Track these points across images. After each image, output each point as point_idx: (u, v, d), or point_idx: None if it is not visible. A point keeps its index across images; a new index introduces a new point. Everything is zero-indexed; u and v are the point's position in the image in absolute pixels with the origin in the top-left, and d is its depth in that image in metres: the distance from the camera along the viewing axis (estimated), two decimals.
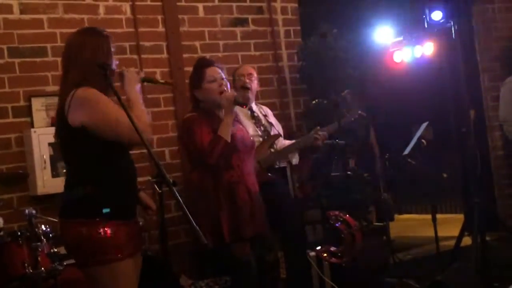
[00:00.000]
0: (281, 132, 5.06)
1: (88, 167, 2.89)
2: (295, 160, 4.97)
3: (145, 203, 3.33)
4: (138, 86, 3.01)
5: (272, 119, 5.08)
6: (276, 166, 4.88)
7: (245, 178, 3.95)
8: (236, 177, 3.90)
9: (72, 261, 3.72)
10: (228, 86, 4.03)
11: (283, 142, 4.96)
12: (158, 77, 5.54)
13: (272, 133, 4.88)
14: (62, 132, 2.92)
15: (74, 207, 2.88)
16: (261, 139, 4.78)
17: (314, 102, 5.99)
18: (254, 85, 4.91)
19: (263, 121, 4.92)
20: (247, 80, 4.85)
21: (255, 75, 5.00)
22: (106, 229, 2.84)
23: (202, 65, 4.09)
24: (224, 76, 4.04)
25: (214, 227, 3.85)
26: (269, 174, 4.66)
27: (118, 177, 2.95)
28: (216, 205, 3.87)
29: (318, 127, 4.92)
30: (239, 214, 3.88)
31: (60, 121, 2.90)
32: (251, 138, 4.25)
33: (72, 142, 2.89)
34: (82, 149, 2.88)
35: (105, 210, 2.85)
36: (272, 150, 4.83)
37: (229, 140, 3.83)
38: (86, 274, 2.94)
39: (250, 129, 4.66)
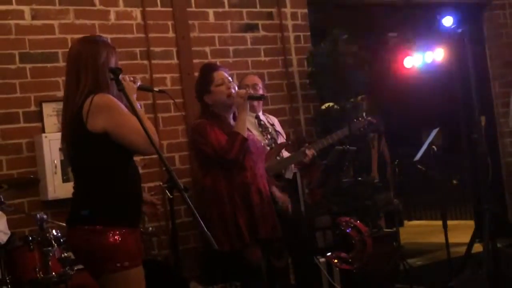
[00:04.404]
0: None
1: (104, 174, 2.90)
2: (288, 173, 4.94)
3: (149, 200, 3.38)
4: (135, 95, 3.04)
5: (279, 128, 5.08)
6: (286, 177, 4.88)
7: (257, 179, 3.98)
8: (249, 178, 3.92)
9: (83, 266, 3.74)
10: (236, 87, 4.06)
11: (284, 154, 4.96)
12: (168, 83, 5.57)
13: (279, 142, 4.88)
14: (79, 139, 2.90)
15: (88, 216, 2.87)
16: (268, 147, 4.78)
17: (324, 107, 5.98)
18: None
19: (270, 130, 4.92)
20: (251, 91, 4.84)
21: (260, 84, 4.99)
22: (119, 236, 2.85)
23: (208, 69, 4.13)
24: (231, 79, 4.08)
25: (232, 230, 3.86)
26: (277, 181, 4.64)
27: (130, 184, 2.97)
28: (232, 207, 3.87)
29: (307, 144, 4.93)
30: (253, 214, 3.89)
31: (75, 129, 2.89)
32: (261, 142, 4.28)
33: (91, 148, 2.88)
34: (100, 156, 2.89)
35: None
36: (278, 158, 4.83)
37: (245, 136, 3.88)
38: (98, 282, 2.94)
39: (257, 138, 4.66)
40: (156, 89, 3.40)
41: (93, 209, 2.87)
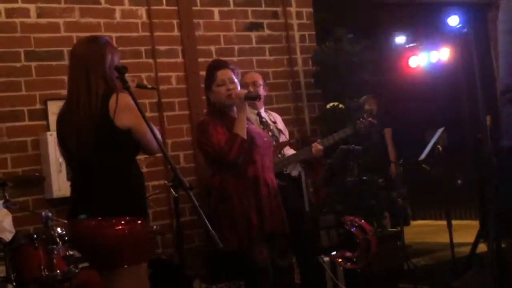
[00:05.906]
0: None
1: (125, 168, 3.02)
2: (295, 172, 4.93)
3: None
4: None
5: (281, 125, 5.06)
6: (292, 175, 4.88)
7: (265, 172, 3.96)
8: (258, 171, 3.92)
9: (87, 264, 3.74)
10: (239, 87, 4.04)
11: (287, 151, 4.95)
12: (173, 81, 5.58)
13: (280, 140, 4.88)
14: (105, 135, 2.97)
15: (114, 206, 2.96)
16: None
17: (329, 106, 5.98)
18: (260, 91, 4.87)
19: (272, 127, 4.91)
20: (251, 88, 4.82)
21: (260, 82, 4.95)
22: (142, 226, 2.97)
23: (213, 68, 4.11)
24: (235, 79, 4.05)
25: (242, 226, 3.84)
26: (278, 180, 4.63)
27: (141, 178, 3.11)
28: (243, 203, 3.85)
29: (319, 140, 4.93)
30: (262, 208, 3.88)
31: (100, 125, 2.96)
32: (268, 134, 4.27)
33: (116, 143, 2.99)
34: (123, 151, 3.01)
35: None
36: (280, 156, 4.82)
37: (245, 137, 3.86)
38: (112, 275, 2.96)
39: None
40: (149, 86, 3.49)
41: (118, 202, 2.97)
